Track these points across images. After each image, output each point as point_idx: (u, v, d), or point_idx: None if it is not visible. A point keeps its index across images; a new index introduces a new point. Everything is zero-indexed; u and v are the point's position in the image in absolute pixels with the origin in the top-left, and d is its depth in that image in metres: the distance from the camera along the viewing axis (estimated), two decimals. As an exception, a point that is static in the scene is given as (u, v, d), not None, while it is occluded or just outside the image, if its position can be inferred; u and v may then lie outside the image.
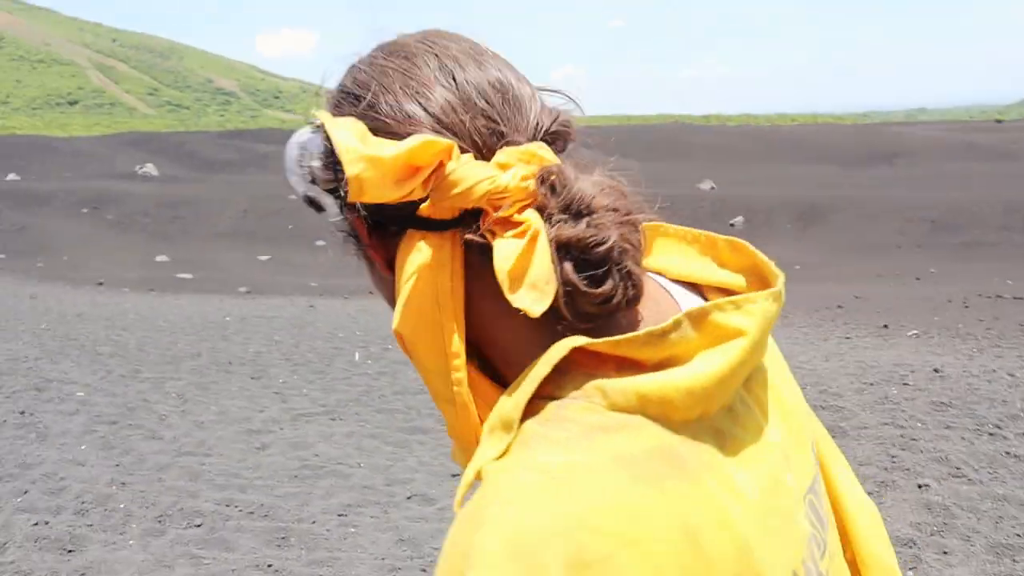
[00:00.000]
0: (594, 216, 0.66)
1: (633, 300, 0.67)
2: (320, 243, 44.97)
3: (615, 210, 0.68)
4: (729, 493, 0.63)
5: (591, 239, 0.65)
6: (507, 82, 0.74)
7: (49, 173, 78.85)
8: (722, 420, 0.67)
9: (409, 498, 4.79)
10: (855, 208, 27.43)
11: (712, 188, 35.25)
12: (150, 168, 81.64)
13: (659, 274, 0.78)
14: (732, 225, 28.18)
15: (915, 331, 10.94)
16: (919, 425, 6.01)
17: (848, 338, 10.60)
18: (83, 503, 4.69)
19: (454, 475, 5.20)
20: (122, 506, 4.64)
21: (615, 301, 0.66)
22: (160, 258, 36.85)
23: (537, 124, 0.73)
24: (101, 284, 21.61)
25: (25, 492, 4.88)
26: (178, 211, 52.76)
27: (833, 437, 0.85)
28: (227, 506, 4.64)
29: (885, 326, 11.39)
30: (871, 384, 7.28)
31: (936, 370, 7.70)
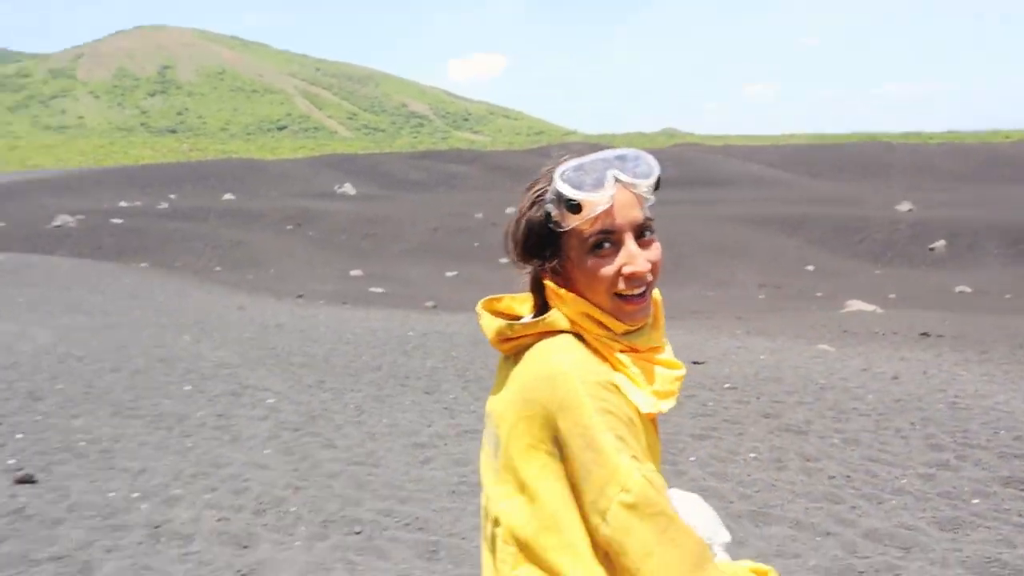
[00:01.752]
0: None
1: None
2: (503, 260, 46.23)
3: None
4: None
5: None
6: None
7: (259, 193, 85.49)
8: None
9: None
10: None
11: (910, 210, 33.01)
12: (348, 187, 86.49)
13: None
14: (932, 250, 26.20)
15: None
16: None
17: (1058, 377, 9.62)
18: (261, 504, 5.09)
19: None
20: (293, 509, 4.99)
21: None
22: (354, 272, 39.10)
23: None
24: (300, 297, 23.09)
25: (214, 490, 5.36)
26: (372, 228, 55.79)
27: None
28: (386, 516, 4.87)
29: (1104, 364, 10.25)
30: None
31: None
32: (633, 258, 1.33)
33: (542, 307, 1.42)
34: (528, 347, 1.36)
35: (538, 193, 1.37)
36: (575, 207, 1.30)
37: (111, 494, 5.21)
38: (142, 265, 37.56)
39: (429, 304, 24.01)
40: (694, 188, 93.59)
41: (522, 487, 1.26)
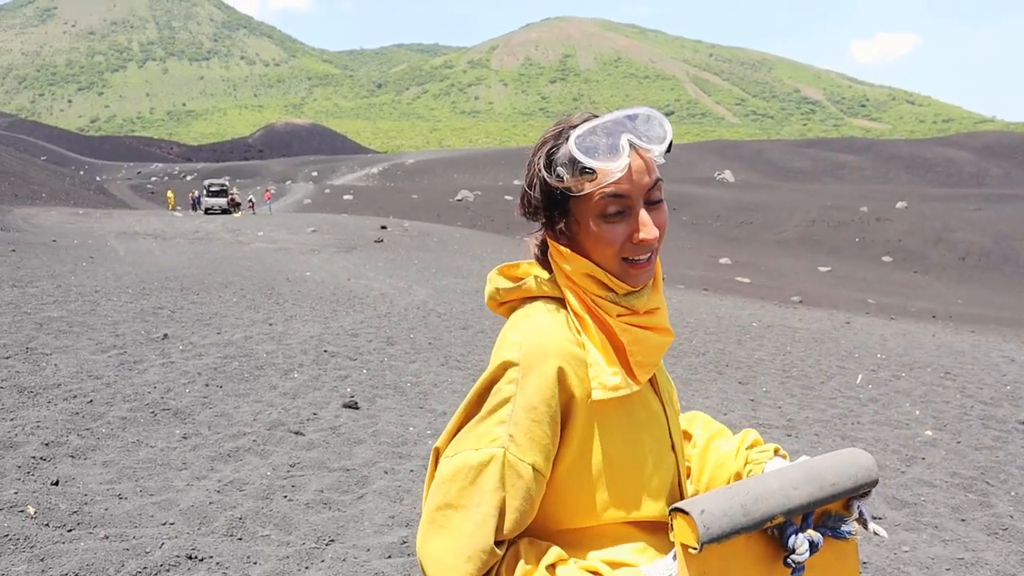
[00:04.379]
0: None
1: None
2: (886, 259, 42.71)
3: None
4: None
5: None
6: None
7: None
8: None
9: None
10: None
11: None
12: (727, 174, 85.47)
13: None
14: None
15: None
16: None
17: None
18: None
19: (875, 518, 4.71)
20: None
21: None
22: (723, 260, 38.80)
23: None
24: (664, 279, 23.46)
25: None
26: (747, 216, 54.69)
27: None
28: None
29: None
30: None
31: None
32: (644, 225, 1.30)
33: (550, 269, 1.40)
34: (511, 312, 1.41)
35: (550, 151, 1.33)
36: (589, 173, 1.28)
37: (411, 428, 5.86)
38: (524, 239, 40.75)
39: (795, 299, 23.07)
40: None
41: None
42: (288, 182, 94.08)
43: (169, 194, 57.23)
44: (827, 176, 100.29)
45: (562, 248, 1.34)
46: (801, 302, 22.60)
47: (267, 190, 66.64)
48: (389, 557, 3.76)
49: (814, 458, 1.38)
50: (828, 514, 1.31)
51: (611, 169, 1.26)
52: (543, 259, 1.41)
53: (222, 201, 48.74)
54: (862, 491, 1.33)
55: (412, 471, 4.92)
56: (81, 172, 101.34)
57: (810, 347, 12.00)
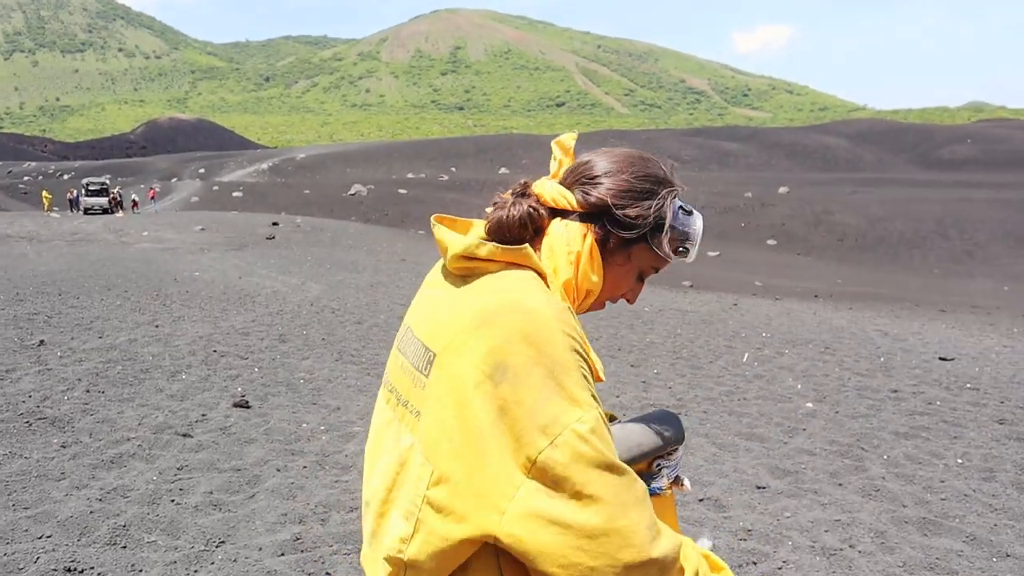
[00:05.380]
0: None
1: None
2: (771, 242, 44.46)
3: None
4: None
5: None
6: None
7: (533, 168, 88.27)
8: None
9: (701, 500, 4.65)
10: None
11: None
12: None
13: None
14: None
15: None
16: None
17: None
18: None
19: (758, 487, 4.92)
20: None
21: None
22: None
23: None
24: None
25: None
26: (637, 205, 55.95)
27: None
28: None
29: None
30: None
31: None
32: (635, 295, 1.48)
33: (511, 241, 1.36)
34: (481, 274, 1.31)
35: (671, 193, 1.41)
36: (683, 252, 1.42)
37: (304, 425, 5.76)
38: (419, 232, 40.60)
39: (686, 284, 23.69)
40: (999, 170, 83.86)
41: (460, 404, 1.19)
42: (174, 179, 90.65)
43: (44, 194, 54.25)
44: (713, 164, 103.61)
45: (597, 257, 1.38)
46: (691, 286, 23.26)
47: (151, 188, 64.11)
48: (282, 555, 3.69)
49: (623, 422, 1.45)
50: (639, 473, 1.37)
51: (683, 260, 1.44)
52: (515, 227, 1.36)
53: (103, 200, 46.59)
54: (668, 450, 1.42)
55: (305, 467, 4.83)
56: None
57: (699, 329, 12.37)
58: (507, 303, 1.22)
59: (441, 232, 1.38)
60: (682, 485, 1.46)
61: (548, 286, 1.31)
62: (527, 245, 1.32)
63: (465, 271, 1.34)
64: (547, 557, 1.11)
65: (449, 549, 1.18)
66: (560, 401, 1.14)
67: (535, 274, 1.31)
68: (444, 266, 1.41)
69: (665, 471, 1.43)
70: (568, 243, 1.36)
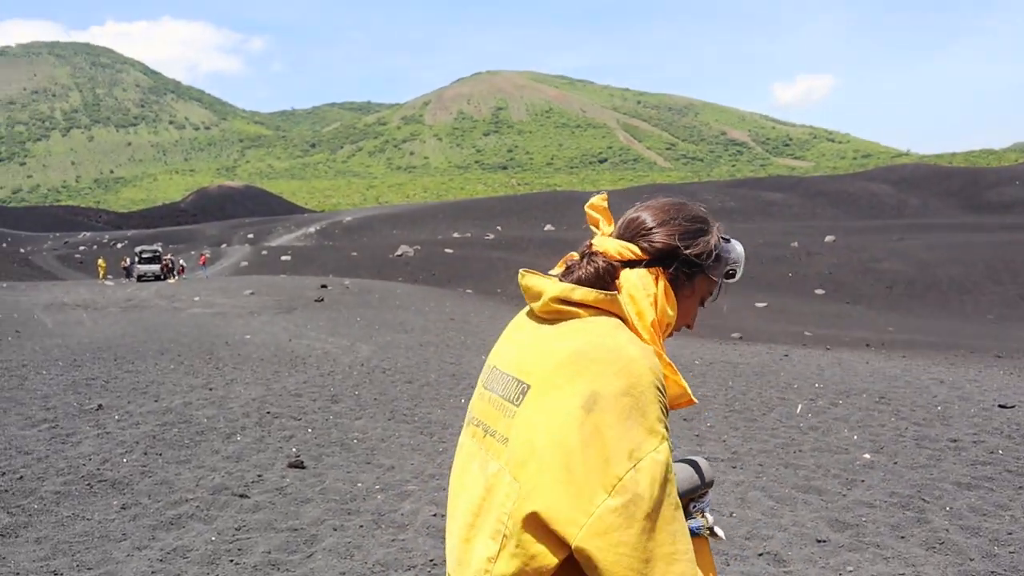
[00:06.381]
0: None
1: None
2: (819, 291, 43.85)
3: None
4: None
5: None
6: None
7: (577, 223, 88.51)
8: None
9: (760, 555, 4.56)
10: None
11: None
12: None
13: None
14: None
15: None
16: None
17: None
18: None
19: (819, 541, 4.82)
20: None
21: None
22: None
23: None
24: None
25: (443, 489, 5.74)
26: (680, 258, 55.58)
27: None
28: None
29: None
30: None
31: None
32: (695, 320, 1.70)
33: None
34: (569, 318, 1.48)
35: (716, 228, 1.65)
36: (731, 276, 1.65)
37: (358, 484, 5.80)
38: (467, 291, 40.91)
39: (735, 335, 23.45)
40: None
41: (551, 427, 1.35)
42: (223, 245, 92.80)
43: (99, 263, 55.91)
44: (758, 215, 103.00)
45: (671, 294, 1.58)
46: (741, 338, 23.02)
47: (202, 254, 65.67)
48: (340, 614, 3.71)
49: None
50: None
51: (732, 281, 1.68)
52: (595, 281, 1.53)
53: (155, 267, 47.80)
54: (698, 494, 1.58)
55: (362, 526, 4.87)
56: (3, 245, 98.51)
57: (751, 381, 12.21)
58: (600, 344, 1.40)
59: (534, 279, 1.56)
60: (717, 536, 1.59)
61: (630, 329, 1.49)
62: (617, 295, 1.51)
63: (554, 314, 1.51)
64: (612, 574, 1.25)
65: (532, 562, 1.31)
66: (642, 431, 1.31)
67: (619, 319, 1.49)
68: (530, 311, 1.59)
69: (703, 511, 1.58)
70: (644, 288, 1.53)
